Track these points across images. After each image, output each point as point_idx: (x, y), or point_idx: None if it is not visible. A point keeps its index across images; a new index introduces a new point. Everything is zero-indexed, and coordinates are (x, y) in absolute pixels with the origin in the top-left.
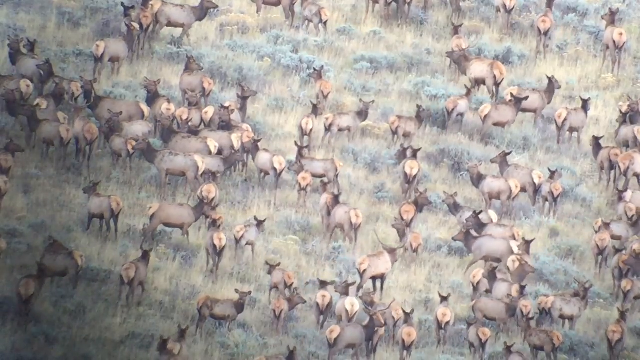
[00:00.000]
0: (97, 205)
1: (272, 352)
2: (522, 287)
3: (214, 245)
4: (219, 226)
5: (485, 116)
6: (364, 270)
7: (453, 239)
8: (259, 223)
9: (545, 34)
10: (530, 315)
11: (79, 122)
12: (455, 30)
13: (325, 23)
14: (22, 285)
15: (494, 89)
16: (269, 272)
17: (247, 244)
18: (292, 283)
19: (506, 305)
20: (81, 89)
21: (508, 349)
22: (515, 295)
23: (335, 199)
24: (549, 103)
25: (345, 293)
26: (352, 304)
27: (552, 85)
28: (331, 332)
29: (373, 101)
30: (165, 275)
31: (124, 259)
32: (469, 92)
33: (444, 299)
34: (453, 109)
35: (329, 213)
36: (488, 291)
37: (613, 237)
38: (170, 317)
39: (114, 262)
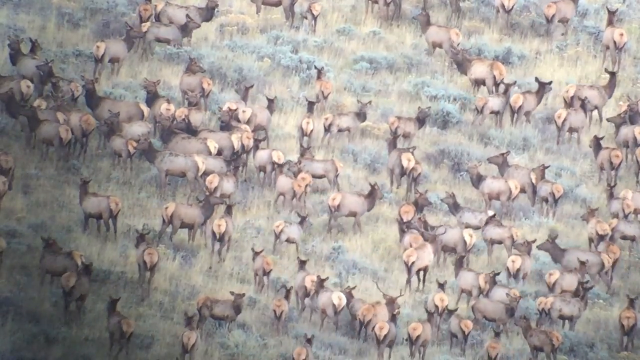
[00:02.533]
0: (95, 206)
1: (272, 352)
2: (495, 274)
3: (213, 232)
4: (231, 213)
5: (520, 107)
6: (412, 263)
7: (410, 227)
8: (302, 220)
9: (551, 20)
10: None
11: (75, 115)
12: (427, 18)
13: (316, 18)
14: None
15: (494, 89)
16: (253, 259)
17: (287, 240)
18: (271, 270)
19: (505, 306)
20: (82, 89)
21: (497, 335)
22: (483, 285)
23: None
24: (609, 98)
25: (321, 287)
26: (339, 297)
27: (614, 80)
28: (381, 330)
29: (370, 101)
30: (165, 275)
31: (124, 259)
32: (506, 90)
33: (440, 285)
34: (483, 106)
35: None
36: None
37: (624, 237)
38: (170, 317)
39: (113, 262)
